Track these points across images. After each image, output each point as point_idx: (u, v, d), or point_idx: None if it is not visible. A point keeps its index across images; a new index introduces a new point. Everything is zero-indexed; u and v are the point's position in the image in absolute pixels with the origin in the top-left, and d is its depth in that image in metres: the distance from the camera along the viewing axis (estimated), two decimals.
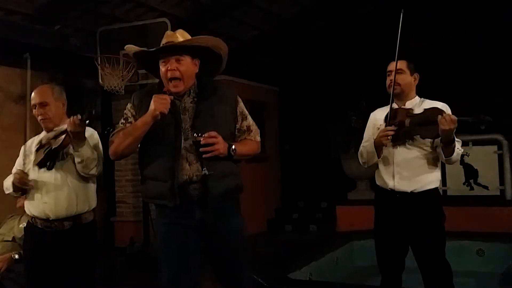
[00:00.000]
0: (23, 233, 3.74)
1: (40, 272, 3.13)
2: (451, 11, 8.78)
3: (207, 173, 2.64)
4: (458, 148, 3.22)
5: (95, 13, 6.53)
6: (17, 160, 3.28)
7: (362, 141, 3.61)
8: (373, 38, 8.83)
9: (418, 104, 3.39)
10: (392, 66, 3.40)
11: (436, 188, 3.36)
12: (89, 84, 7.18)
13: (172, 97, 2.68)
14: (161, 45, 2.78)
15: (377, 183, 3.53)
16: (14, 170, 3.22)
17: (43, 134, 3.26)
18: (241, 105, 2.89)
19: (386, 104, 3.44)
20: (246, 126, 2.87)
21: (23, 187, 3.07)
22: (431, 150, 3.29)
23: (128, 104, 2.86)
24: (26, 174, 3.06)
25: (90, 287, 3.25)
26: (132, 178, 7.30)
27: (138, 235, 6.81)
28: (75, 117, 2.92)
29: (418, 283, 3.51)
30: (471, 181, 6.87)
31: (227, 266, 2.82)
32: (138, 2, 6.64)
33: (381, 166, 3.44)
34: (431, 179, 3.31)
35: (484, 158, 6.86)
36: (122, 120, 2.84)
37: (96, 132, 3.35)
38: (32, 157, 3.14)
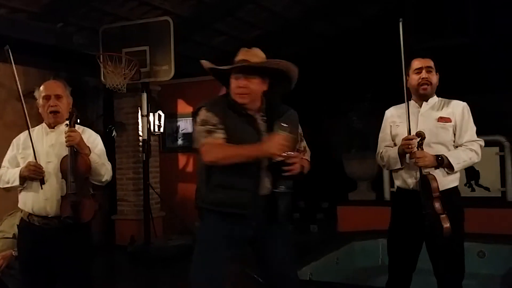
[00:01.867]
0: None
1: (36, 270, 3.12)
2: (455, 12, 8.78)
3: (283, 191, 2.80)
4: (464, 161, 3.24)
5: (98, 11, 6.54)
6: (7, 154, 3.23)
7: (379, 141, 3.60)
8: (376, 39, 8.83)
9: (438, 103, 3.37)
10: (420, 63, 3.34)
11: (456, 187, 3.34)
12: (92, 82, 7.19)
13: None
14: (235, 62, 2.85)
15: (397, 184, 3.46)
16: (5, 163, 3.20)
17: (40, 128, 3.22)
18: (299, 126, 3.02)
19: (390, 104, 3.43)
20: (303, 146, 3.01)
21: (37, 177, 3.04)
22: (451, 149, 3.29)
23: (206, 112, 2.83)
24: (40, 165, 3.03)
25: (87, 285, 3.24)
26: (133, 176, 7.31)
27: (139, 234, 6.82)
28: (65, 131, 3.03)
29: (425, 283, 3.52)
30: (473, 182, 6.86)
31: (281, 271, 2.98)
32: (141, 0, 6.65)
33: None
34: (451, 178, 3.28)
35: (485, 159, 6.78)
36: (211, 126, 2.79)
37: (99, 137, 3.32)
38: (30, 151, 3.12)
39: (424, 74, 3.31)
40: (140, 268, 6.16)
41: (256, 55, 2.85)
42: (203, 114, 2.83)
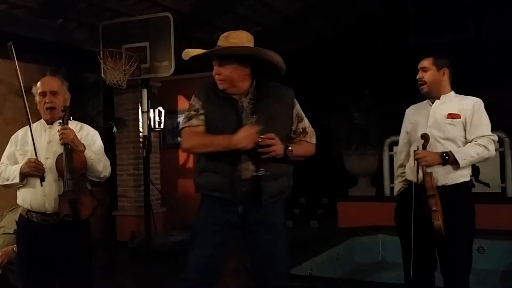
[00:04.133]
0: None
1: (36, 266, 3.11)
2: (456, 8, 8.77)
3: (264, 174, 2.73)
4: (471, 157, 3.28)
5: (98, 7, 6.53)
6: (6, 150, 3.22)
7: (400, 136, 3.70)
8: (376, 35, 8.83)
9: (452, 99, 3.44)
10: (420, 64, 3.47)
11: (467, 182, 3.39)
12: (92, 78, 7.19)
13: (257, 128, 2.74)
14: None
15: (408, 178, 3.51)
16: (4, 160, 3.19)
17: (39, 125, 3.21)
18: (298, 107, 2.95)
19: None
20: (302, 128, 2.93)
21: (38, 174, 3.03)
22: (461, 145, 3.33)
23: (194, 96, 2.91)
24: (40, 161, 3.03)
25: (87, 281, 3.24)
26: (134, 172, 7.32)
27: (139, 229, 6.82)
28: (58, 129, 3.03)
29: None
30: (472, 178, 6.81)
31: (266, 257, 2.89)
32: None
33: (411, 160, 3.44)
34: (462, 173, 3.32)
35: None
36: (194, 114, 2.85)
37: (97, 133, 3.31)
38: (29, 147, 3.12)
39: (419, 74, 3.45)
40: (141, 264, 6.17)
41: (228, 41, 2.84)
42: (192, 98, 2.92)
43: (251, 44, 2.87)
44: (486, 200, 6.54)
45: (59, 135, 3.02)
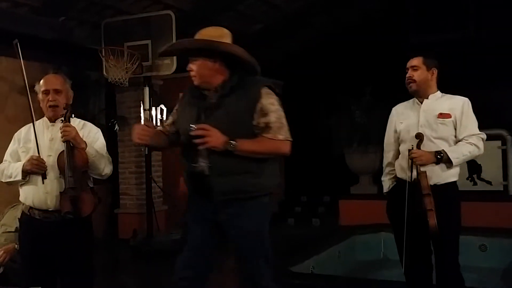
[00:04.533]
0: None
1: (38, 264, 3.13)
2: (456, 6, 8.75)
3: (203, 165, 2.72)
4: (464, 155, 3.35)
5: (99, 5, 6.53)
6: (9, 148, 3.24)
7: (386, 138, 3.74)
8: (377, 33, 8.81)
9: (440, 99, 3.48)
10: (408, 63, 3.50)
11: (454, 182, 3.44)
12: (94, 76, 7.19)
13: (151, 124, 2.84)
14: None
15: (398, 175, 3.57)
16: (7, 157, 3.21)
17: (42, 122, 3.22)
18: (264, 101, 2.75)
19: (393, 98, 3.47)
20: (264, 123, 2.75)
21: (40, 172, 3.04)
22: (453, 144, 3.39)
23: None
24: (42, 159, 3.04)
25: (88, 278, 3.25)
26: (136, 170, 7.33)
27: (141, 227, 6.83)
28: (60, 126, 3.06)
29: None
30: (474, 176, 6.86)
31: (240, 258, 2.92)
32: None
33: (403, 159, 3.49)
34: (451, 172, 3.39)
35: (487, 153, 6.77)
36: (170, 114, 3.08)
37: (100, 131, 3.32)
38: (31, 144, 3.13)
39: (409, 73, 3.48)
40: (143, 262, 6.18)
41: (198, 37, 2.87)
42: None
43: (226, 40, 2.84)
44: (488, 198, 6.55)
45: (61, 133, 3.03)
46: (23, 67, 3.12)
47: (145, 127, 2.89)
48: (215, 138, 2.66)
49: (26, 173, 3.07)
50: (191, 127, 2.67)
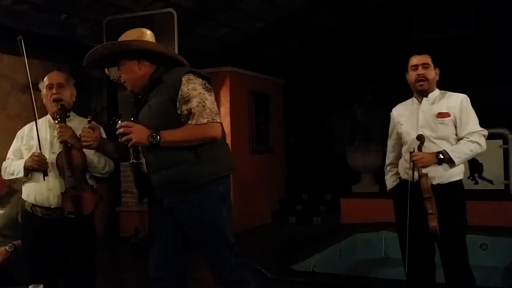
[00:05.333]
0: (4, 222, 3.77)
1: (40, 261, 3.14)
2: (458, 4, 8.74)
3: (134, 162, 2.74)
4: (465, 154, 3.32)
5: (101, 3, 6.52)
6: (12, 145, 3.25)
7: (388, 140, 3.73)
8: (379, 31, 8.81)
9: (438, 97, 3.44)
10: (417, 60, 3.43)
11: (460, 180, 3.42)
12: (95, 74, 7.18)
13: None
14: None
15: (402, 176, 3.54)
16: (10, 155, 3.22)
17: (44, 120, 3.24)
18: (185, 88, 2.67)
19: (394, 97, 3.46)
20: (187, 110, 2.66)
21: (41, 169, 3.05)
22: (454, 143, 3.36)
23: None
24: (44, 156, 3.05)
25: (91, 275, 3.26)
26: None
27: (143, 225, 6.84)
28: (56, 127, 3.08)
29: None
30: (476, 175, 6.85)
31: (201, 251, 2.84)
32: None
33: (406, 159, 3.46)
34: (455, 171, 3.36)
35: (489, 152, 6.77)
36: None
37: (101, 128, 3.33)
38: (34, 142, 3.14)
39: (420, 70, 3.41)
40: (144, 260, 6.13)
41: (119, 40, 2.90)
42: None
43: (146, 39, 2.89)
44: (489, 197, 6.55)
45: (57, 133, 3.05)
46: (26, 64, 3.13)
47: (90, 130, 2.88)
48: (137, 133, 2.64)
49: (28, 170, 3.08)
50: (117, 127, 2.70)
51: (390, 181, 3.69)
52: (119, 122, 2.72)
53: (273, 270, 4.81)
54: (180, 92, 2.67)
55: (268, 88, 8.57)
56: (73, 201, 3.00)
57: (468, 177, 6.85)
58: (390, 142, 3.70)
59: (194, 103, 2.65)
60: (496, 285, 5.19)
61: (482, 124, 3.41)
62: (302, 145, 9.39)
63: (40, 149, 3.07)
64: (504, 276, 5.44)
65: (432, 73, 3.43)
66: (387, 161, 3.75)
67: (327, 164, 8.71)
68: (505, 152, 6.79)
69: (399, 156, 3.59)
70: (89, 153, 3.10)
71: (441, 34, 8.52)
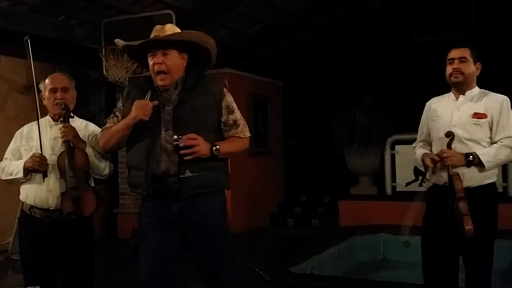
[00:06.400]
0: None
1: (37, 263, 3.13)
2: (457, 6, 8.75)
3: (190, 175, 2.66)
4: (498, 159, 3.14)
5: (100, 5, 6.53)
6: (10, 146, 3.23)
7: (418, 132, 3.50)
8: (378, 33, 8.81)
9: (477, 96, 3.26)
10: (454, 53, 3.26)
11: (493, 183, 3.25)
12: (94, 75, 7.19)
13: (155, 102, 2.74)
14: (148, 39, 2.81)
15: (431, 180, 3.32)
16: (8, 155, 3.20)
17: (44, 121, 3.22)
18: (228, 99, 2.85)
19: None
20: (233, 120, 2.82)
21: (41, 169, 3.04)
22: (487, 146, 3.16)
23: (120, 97, 2.96)
24: (44, 157, 3.04)
25: (89, 277, 3.25)
26: None
27: None
28: (60, 127, 3.06)
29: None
30: None
31: (204, 258, 2.82)
32: None
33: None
34: (486, 174, 3.17)
35: None
36: (111, 114, 2.93)
37: (99, 129, 3.32)
38: (34, 143, 3.13)
39: (456, 64, 3.24)
40: None
41: (170, 29, 2.84)
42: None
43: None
44: None
45: (60, 133, 3.05)
46: (32, 64, 3.15)
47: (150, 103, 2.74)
48: (204, 146, 2.65)
49: (28, 171, 3.07)
50: (176, 137, 2.62)
51: (419, 151, 3.37)
52: (178, 137, 2.63)
53: (271, 272, 4.80)
54: (224, 102, 2.81)
55: (266, 90, 8.58)
56: (73, 202, 2.99)
57: None
58: (419, 138, 3.47)
59: (237, 115, 2.85)
60: (495, 287, 5.18)
61: None
62: (301, 147, 9.39)
63: (41, 150, 3.06)
64: (502, 278, 5.44)
65: (470, 68, 3.24)
66: (415, 143, 3.50)
67: (325, 166, 8.71)
68: None
69: (426, 146, 3.39)
70: (90, 155, 3.10)
71: (440, 37, 8.53)
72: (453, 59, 3.25)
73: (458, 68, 3.22)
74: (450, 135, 3.12)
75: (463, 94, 3.27)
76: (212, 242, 2.78)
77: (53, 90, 3.16)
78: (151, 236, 2.80)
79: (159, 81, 2.76)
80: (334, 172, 8.21)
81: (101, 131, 2.94)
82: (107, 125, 2.90)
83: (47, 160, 3.04)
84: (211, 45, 2.86)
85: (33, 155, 3.04)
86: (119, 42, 2.91)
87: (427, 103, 3.48)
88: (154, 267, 2.80)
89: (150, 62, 2.78)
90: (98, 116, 7.06)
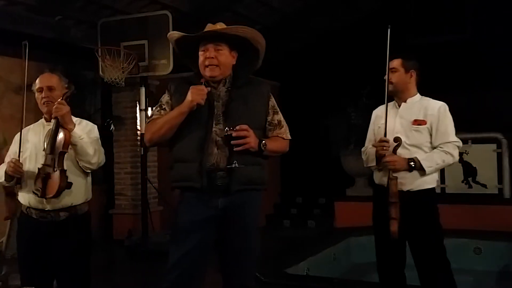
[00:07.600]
0: None
1: (35, 263, 3.12)
2: (453, 8, 8.78)
3: (237, 166, 2.68)
4: (437, 164, 3.29)
5: (96, 5, 6.52)
6: (10, 148, 3.25)
7: (366, 139, 3.67)
8: (374, 35, 8.81)
9: (418, 103, 3.41)
10: (389, 64, 3.42)
11: (432, 188, 3.39)
12: (90, 75, 7.18)
13: (209, 88, 2.75)
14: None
15: (376, 181, 3.54)
16: (7, 159, 3.19)
17: (39, 122, 3.23)
18: (273, 100, 2.91)
19: (389, 101, 3.45)
20: (277, 120, 2.88)
21: (16, 176, 3.04)
22: (429, 152, 3.33)
23: (166, 91, 2.94)
24: (20, 163, 3.04)
25: (86, 278, 3.24)
26: (131, 170, 7.31)
27: (136, 228, 6.82)
28: (56, 102, 3.02)
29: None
30: (470, 179, 6.87)
31: (234, 255, 2.82)
32: None
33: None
34: (427, 179, 3.33)
35: (483, 156, 6.85)
36: (157, 108, 2.90)
37: (95, 126, 3.31)
38: (29, 145, 3.13)
39: (387, 75, 3.40)
40: (138, 262, 6.16)
41: (222, 26, 2.84)
42: (164, 94, 2.94)
43: None
44: (483, 201, 6.56)
45: (53, 108, 3.01)
46: (26, 68, 3.14)
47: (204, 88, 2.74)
48: (254, 139, 2.69)
49: (8, 176, 3.08)
50: (228, 128, 2.64)
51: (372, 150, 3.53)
52: (229, 129, 2.64)
53: (267, 273, 4.80)
54: (271, 103, 2.88)
55: None
56: (42, 180, 2.98)
57: (462, 181, 6.87)
58: (367, 143, 3.64)
59: (281, 116, 2.91)
60: None
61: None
62: (297, 149, 9.37)
63: (19, 156, 3.06)
64: (497, 280, 5.45)
65: (400, 77, 3.39)
66: (364, 148, 3.69)
67: (321, 167, 8.71)
68: (499, 156, 6.80)
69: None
70: (78, 136, 3.03)
71: (436, 38, 8.55)
72: (387, 70, 3.39)
73: (389, 78, 3.39)
74: (398, 140, 3.27)
75: (405, 102, 3.44)
76: (246, 239, 2.81)
77: (39, 90, 3.16)
78: (189, 236, 2.75)
79: (208, 72, 2.76)
80: (330, 174, 8.21)
81: (147, 123, 2.92)
82: (154, 117, 2.86)
83: (21, 166, 3.03)
84: (262, 45, 2.88)
85: (10, 161, 3.05)
86: (173, 34, 2.89)
87: (374, 111, 3.68)
88: (186, 264, 2.76)
89: (201, 57, 2.78)
90: (94, 116, 7.05)
